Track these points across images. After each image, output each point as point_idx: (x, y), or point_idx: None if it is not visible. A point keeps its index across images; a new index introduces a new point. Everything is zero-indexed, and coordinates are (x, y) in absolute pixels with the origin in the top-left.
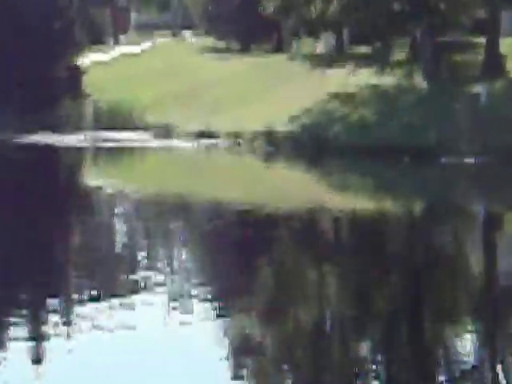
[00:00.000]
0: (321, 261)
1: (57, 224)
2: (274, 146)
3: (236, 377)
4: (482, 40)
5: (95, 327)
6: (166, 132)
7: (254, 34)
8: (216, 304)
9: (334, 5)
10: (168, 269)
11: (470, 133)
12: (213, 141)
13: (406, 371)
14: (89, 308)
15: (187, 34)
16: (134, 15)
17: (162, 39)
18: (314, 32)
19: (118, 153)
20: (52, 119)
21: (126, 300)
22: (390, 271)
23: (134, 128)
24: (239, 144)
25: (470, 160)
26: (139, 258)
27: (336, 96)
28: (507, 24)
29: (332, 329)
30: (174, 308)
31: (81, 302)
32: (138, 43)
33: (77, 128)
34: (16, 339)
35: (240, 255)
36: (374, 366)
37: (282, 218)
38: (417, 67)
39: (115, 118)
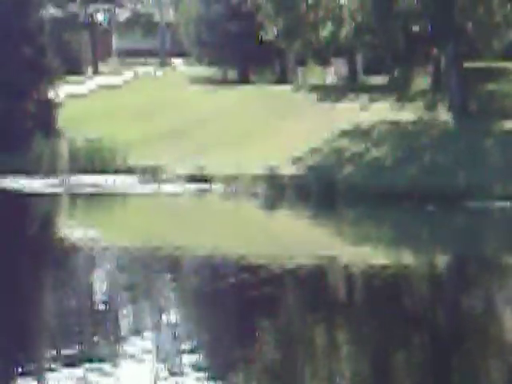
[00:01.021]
0: (332, 330)
1: (31, 286)
2: (276, 191)
3: None
4: None
5: None
6: (152, 176)
7: (254, 63)
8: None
9: (345, 27)
10: (157, 335)
11: (505, 175)
12: (206, 185)
13: None
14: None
15: (177, 61)
16: (115, 40)
17: (149, 68)
18: (322, 59)
19: (98, 200)
20: (21, 160)
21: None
22: (415, 344)
23: (116, 171)
24: (236, 189)
25: (503, 206)
26: (124, 324)
27: (348, 133)
28: None
29: None
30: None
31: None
32: (121, 73)
33: (50, 171)
34: None
35: (241, 321)
36: None
37: (287, 277)
38: (441, 99)
39: (95, 160)
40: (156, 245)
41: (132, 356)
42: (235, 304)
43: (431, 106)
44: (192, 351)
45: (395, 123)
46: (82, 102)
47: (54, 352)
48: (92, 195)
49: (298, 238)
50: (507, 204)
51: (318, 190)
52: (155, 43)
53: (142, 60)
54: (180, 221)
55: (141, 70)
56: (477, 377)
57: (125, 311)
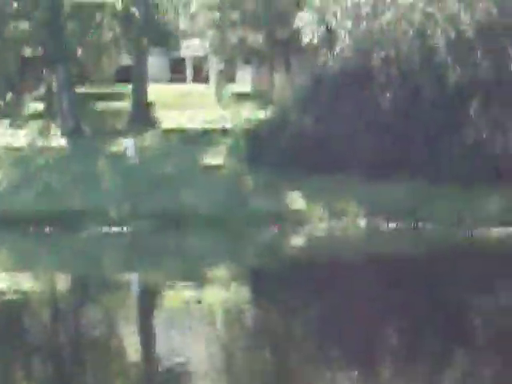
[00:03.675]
0: None
1: None
2: None
3: None
4: (130, 88)
5: None
6: None
7: None
8: None
9: None
10: None
11: (119, 197)
12: None
13: None
14: None
15: None
16: None
17: None
18: None
19: None
20: None
21: None
22: None
23: None
24: None
25: (119, 228)
26: None
27: None
28: (156, 70)
29: None
30: None
31: None
32: None
33: None
34: None
35: None
36: None
37: None
38: (55, 122)
39: None
40: None
41: None
42: None
43: (45, 130)
44: None
45: (8, 148)
46: None
47: None
48: None
49: None
50: (123, 229)
51: None
52: None
53: None
54: None
55: None
56: None
57: None
